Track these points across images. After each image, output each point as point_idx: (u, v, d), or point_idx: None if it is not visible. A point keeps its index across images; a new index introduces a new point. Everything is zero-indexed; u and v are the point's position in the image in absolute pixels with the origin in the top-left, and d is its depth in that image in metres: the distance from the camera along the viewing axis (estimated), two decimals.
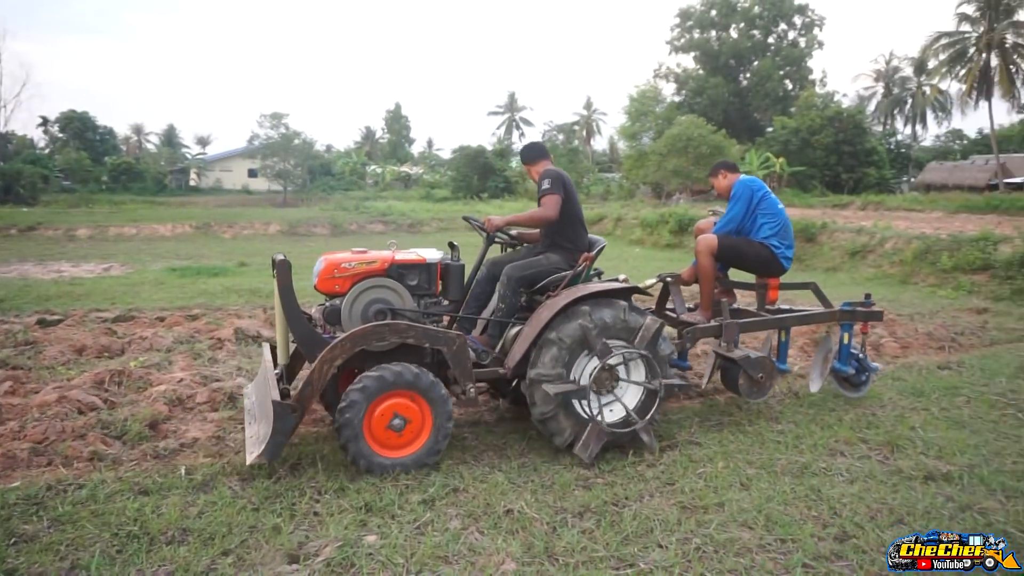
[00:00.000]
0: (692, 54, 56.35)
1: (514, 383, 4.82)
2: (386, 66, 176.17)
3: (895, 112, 61.26)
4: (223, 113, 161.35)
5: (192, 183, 58.99)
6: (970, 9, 41.74)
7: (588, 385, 4.22)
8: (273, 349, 4.64)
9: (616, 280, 4.70)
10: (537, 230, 4.87)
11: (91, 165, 48.78)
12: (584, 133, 77.10)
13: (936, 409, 5.28)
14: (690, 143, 36.17)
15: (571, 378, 4.24)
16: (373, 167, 65.21)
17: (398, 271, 4.37)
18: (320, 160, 56.63)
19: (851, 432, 4.74)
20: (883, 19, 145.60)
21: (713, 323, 5.13)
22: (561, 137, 69.37)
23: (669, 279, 5.60)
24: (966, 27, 42.29)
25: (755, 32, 54.58)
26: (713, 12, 54.70)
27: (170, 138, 69.64)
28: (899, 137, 57.42)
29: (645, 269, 14.50)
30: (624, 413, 4.34)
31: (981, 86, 42.04)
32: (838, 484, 3.93)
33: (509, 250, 5.04)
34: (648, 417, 4.35)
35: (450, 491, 3.73)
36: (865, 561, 3.12)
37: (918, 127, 61.09)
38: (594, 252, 4.68)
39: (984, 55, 41.11)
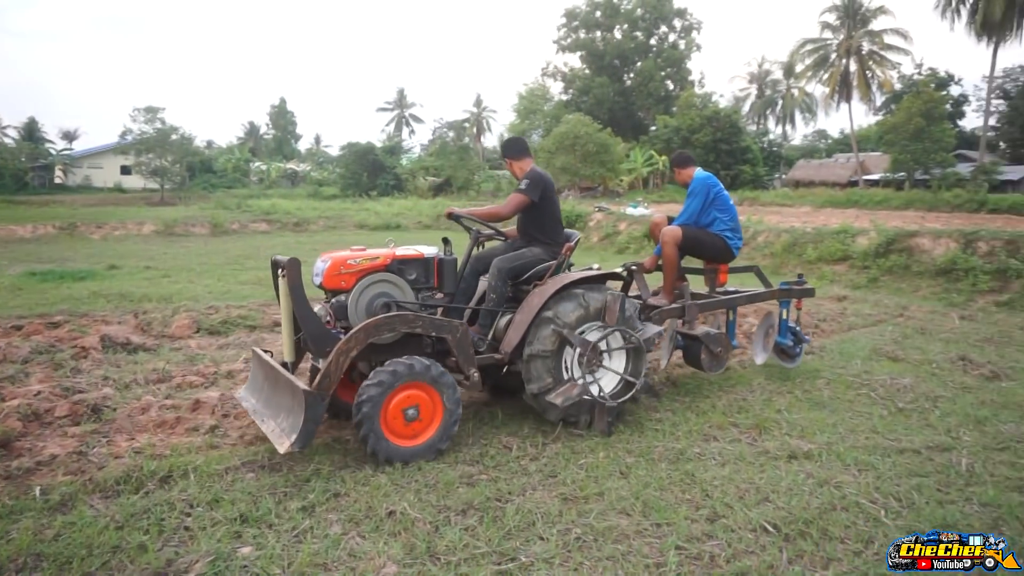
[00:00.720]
0: (578, 54, 57.63)
1: (502, 370, 5.03)
2: (270, 60, 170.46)
3: (767, 112, 64.96)
4: (91, 106, 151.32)
5: (58, 180, 54.80)
6: (831, 17, 44.76)
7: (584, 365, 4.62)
8: (263, 352, 4.78)
9: (591, 268, 5.12)
10: (513, 227, 5.24)
11: None
12: (475, 130, 77.25)
13: (800, 392, 5.63)
14: (577, 141, 36.98)
15: (563, 361, 4.68)
16: (258, 164, 62.88)
17: (399, 266, 4.61)
18: (200, 157, 53.94)
19: (723, 417, 4.98)
20: (756, 25, 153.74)
21: (676, 305, 5.64)
22: (452, 134, 69.22)
23: (634, 267, 5.92)
24: (828, 34, 45.32)
25: (638, 33, 56.37)
26: (598, 13, 56.10)
27: (31, 132, 64.36)
28: (771, 136, 60.87)
29: None
30: (617, 381, 4.82)
31: (842, 89, 45.17)
32: (711, 467, 4.12)
33: (490, 244, 5.31)
34: (644, 374, 4.87)
35: (331, 496, 3.64)
36: (733, 539, 3.28)
37: (788, 127, 65.08)
38: (572, 243, 5.10)
39: (844, 61, 44.18)
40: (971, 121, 55.62)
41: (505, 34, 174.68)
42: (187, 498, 3.55)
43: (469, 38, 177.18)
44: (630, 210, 22.44)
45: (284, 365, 4.41)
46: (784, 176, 54.59)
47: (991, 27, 33.48)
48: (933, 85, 44.18)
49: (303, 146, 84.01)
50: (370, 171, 48.64)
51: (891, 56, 43.96)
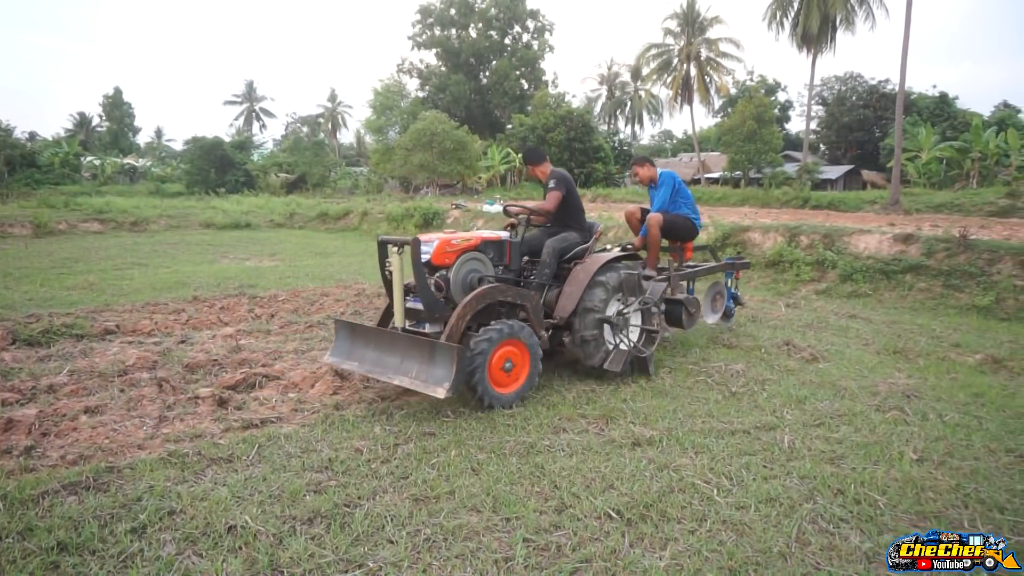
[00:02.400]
0: (434, 51, 57.39)
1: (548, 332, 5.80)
2: (101, 45, 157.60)
3: (617, 113, 67.61)
4: None
5: None
6: (673, 24, 47.27)
7: (624, 317, 5.96)
8: (343, 326, 5.67)
9: (607, 249, 6.63)
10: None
11: None
12: (330, 126, 75.36)
13: (644, 381, 5.90)
14: (434, 138, 36.85)
15: (607, 314, 5.86)
16: (90, 159, 57.83)
17: (485, 246, 5.64)
18: (21, 150, 48.82)
19: (572, 409, 5.12)
20: (605, 28, 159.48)
21: (663, 277, 6.96)
22: (306, 129, 67.12)
23: (629, 246, 7.05)
24: (670, 40, 47.83)
25: (492, 33, 56.92)
26: (452, 11, 56.12)
27: None
28: (621, 136, 63.40)
29: None
30: (639, 334, 6.16)
31: (684, 92, 47.84)
32: (560, 459, 4.22)
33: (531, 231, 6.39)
34: (653, 348, 6.21)
35: (165, 514, 3.40)
36: (579, 528, 3.38)
37: (637, 127, 68.06)
38: (598, 231, 6.35)
39: (685, 66, 46.81)
40: (795, 125, 60.78)
41: (359, 28, 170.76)
42: None
43: (321, 31, 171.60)
44: (487, 207, 22.65)
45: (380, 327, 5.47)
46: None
47: (809, 40, 36.66)
48: (763, 91, 47.89)
49: (142, 140, 78.49)
50: (218, 167, 46.30)
51: (726, 63, 47.12)
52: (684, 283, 7.59)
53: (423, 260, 5.20)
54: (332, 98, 76.19)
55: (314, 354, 6.53)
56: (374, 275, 12.34)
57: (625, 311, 5.96)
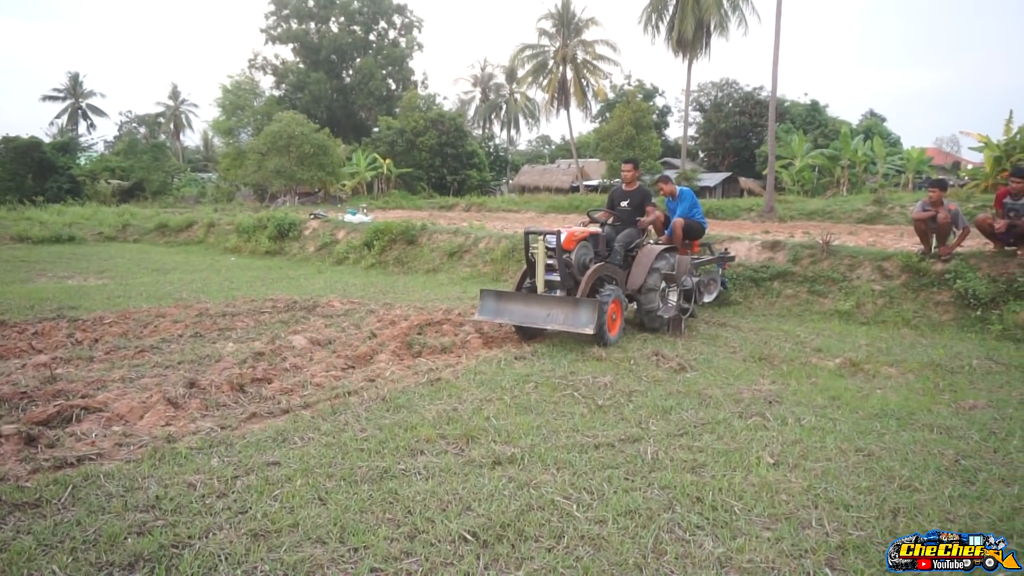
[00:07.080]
0: (291, 46, 56.28)
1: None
2: None
3: (492, 116, 68.55)
4: None
5: None
6: (547, 25, 48.60)
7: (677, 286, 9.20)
8: (488, 293, 8.42)
9: (657, 243, 9.82)
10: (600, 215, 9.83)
11: None
12: (172, 127, 72.14)
13: (509, 397, 6.05)
14: (292, 141, 36.08)
15: (663, 290, 9.02)
16: None
17: (591, 237, 8.53)
18: None
19: (432, 430, 5.18)
20: (477, 26, 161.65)
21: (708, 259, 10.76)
22: (143, 130, 63.92)
23: (660, 241, 10.00)
24: (546, 41, 49.14)
25: (356, 28, 56.50)
26: (311, 3, 55.25)
27: None
28: (497, 141, 64.34)
29: (240, 280, 14.09)
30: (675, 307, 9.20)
31: (560, 96, 49.22)
32: (415, 483, 4.27)
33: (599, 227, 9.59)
34: (689, 312, 9.44)
35: None
36: (432, 553, 3.44)
37: (513, 132, 69.27)
38: (649, 230, 9.65)
39: (561, 68, 48.19)
40: (674, 131, 63.84)
41: (204, 18, 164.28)
42: None
43: (161, 19, 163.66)
44: (348, 217, 22.41)
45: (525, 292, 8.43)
46: (511, 181, 58.10)
47: (685, 44, 38.76)
48: (640, 96, 50.03)
49: None
50: (36, 172, 43.24)
51: (603, 66, 48.95)
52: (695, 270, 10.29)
53: (561, 245, 8.01)
54: (174, 95, 72.97)
55: (145, 381, 6.26)
56: (219, 293, 11.97)
57: (673, 284, 9.06)
